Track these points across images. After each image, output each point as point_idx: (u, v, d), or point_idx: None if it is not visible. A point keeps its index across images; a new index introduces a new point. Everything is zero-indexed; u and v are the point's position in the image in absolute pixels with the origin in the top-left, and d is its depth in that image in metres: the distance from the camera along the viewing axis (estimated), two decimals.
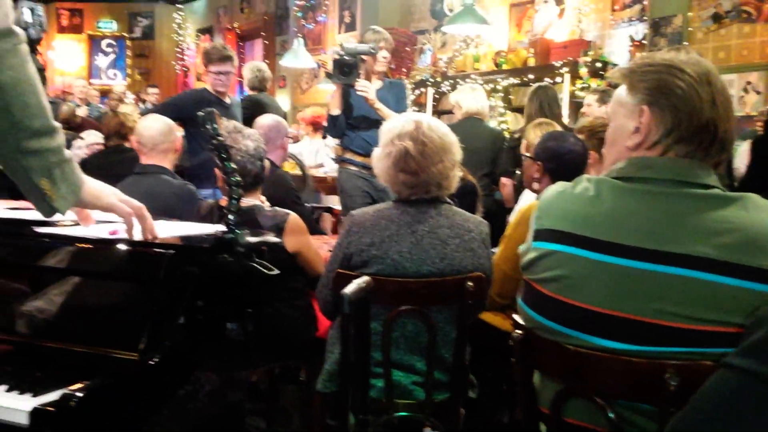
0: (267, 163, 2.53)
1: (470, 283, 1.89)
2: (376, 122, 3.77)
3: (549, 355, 1.31)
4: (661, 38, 5.56)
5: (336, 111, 3.81)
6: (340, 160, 4.08)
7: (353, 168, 3.90)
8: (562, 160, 2.35)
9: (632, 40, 5.79)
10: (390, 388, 1.90)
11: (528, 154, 2.53)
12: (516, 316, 1.40)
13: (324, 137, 6.03)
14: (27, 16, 3.21)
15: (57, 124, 1.27)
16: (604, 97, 4.53)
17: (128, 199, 1.43)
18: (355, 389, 1.54)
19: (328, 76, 3.80)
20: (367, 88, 3.67)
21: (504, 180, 4.26)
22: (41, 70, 3.43)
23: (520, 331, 1.34)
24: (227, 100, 4.13)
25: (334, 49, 3.83)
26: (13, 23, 1.19)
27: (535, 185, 2.43)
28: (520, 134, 4.16)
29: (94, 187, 1.38)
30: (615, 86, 1.47)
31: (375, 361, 1.89)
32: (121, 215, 1.43)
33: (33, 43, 3.31)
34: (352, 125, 3.88)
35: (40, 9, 3.29)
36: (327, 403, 2.07)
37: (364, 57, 3.72)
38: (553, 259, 1.31)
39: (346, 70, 3.62)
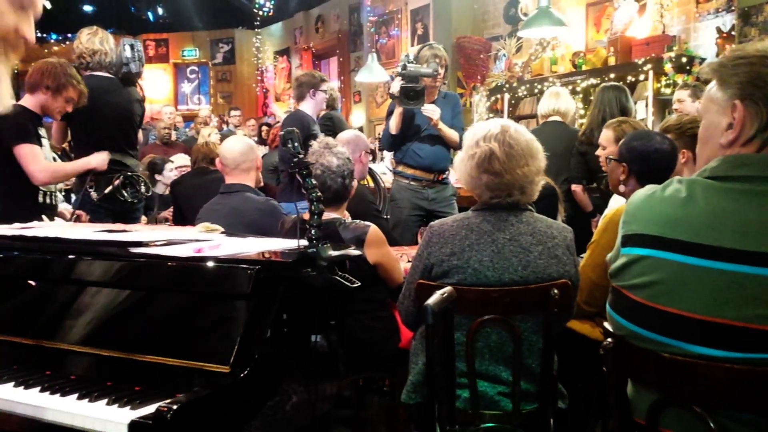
0: (354, 183, 2.56)
1: (555, 291, 1.84)
2: (427, 137, 3.89)
3: (643, 364, 1.26)
4: (752, 28, 5.26)
5: (395, 131, 3.93)
6: (394, 172, 4.18)
7: (404, 180, 4.01)
8: (649, 161, 2.25)
9: (720, 31, 5.52)
10: (476, 399, 1.88)
11: (612, 157, 2.43)
12: (606, 324, 1.35)
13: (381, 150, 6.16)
14: (127, 52, 3.46)
15: None
16: (696, 91, 4.32)
17: None
18: (441, 400, 1.52)
19: (392, 97, 3.87)
20: (435, 111, 3.79)
21: (574, 186, 4.13)
22: (141, 101, 3.66)
23: (611, 340, 1.29)
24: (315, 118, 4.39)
25: (396, 68, 3.89)
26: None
27: (622, 188, 2.34)
28: (585, 138, 4.03)
29: None
30: (705, 81, 1.40)
31: (459, 371, 1.87)
32: None
33: (134, 77, 3.52)
34: (405, 139, 3.96)
35: (139, 45, 3.55)
36: (412, 414, 2.06)
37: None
38: (643, 264, 1.26)
39: (412, 94, 3.74)
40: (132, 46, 3.48)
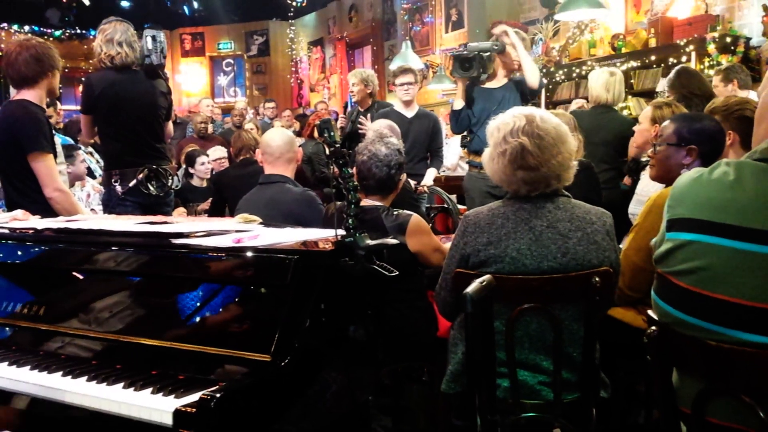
0: (404, 177, 2.55)
1: (597, 279, 1.81)
2: None
3: (689, 352, 1.23)
4: None
5: (459, 104, 3.82)
6: (468, 163, 4.15)
7: (474, 170, 3.93)
8: (716, 141, 2.14)
9: (766, 9, 5.32)
10: (516, 388, 1.86)
11: (667, 141, 2.22)
12: (650, 312, 1.32)
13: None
14: (149, 44, 3.40)
15: None
16: (729, 74, 4.19)
17: None
18: (481, 389, 1.51)
19: (451, 74, 3.84)
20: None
21: None
22: (167, 94, 3.62)
23: (655, 327, 1.27)
24: (407, 113, 4.59)
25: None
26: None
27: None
28: None
29: None
30: (747, 60, 1.37)
31: (499, 360, 1.85)
32: None
33: (156, 68, 3.49)
34: (473, 125, 3.86)
35: (161, 35, 3.47)
36: (451, 404, 2.06)
37: (488, 53, 3.75)
38: (690, 249, 1.23)
39: (466, 65, 3.66)
40: (154, 38, 3.39)
